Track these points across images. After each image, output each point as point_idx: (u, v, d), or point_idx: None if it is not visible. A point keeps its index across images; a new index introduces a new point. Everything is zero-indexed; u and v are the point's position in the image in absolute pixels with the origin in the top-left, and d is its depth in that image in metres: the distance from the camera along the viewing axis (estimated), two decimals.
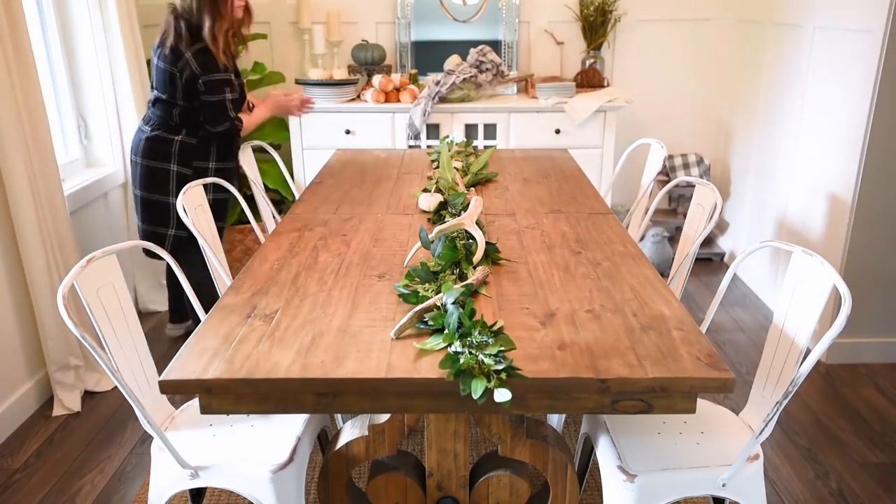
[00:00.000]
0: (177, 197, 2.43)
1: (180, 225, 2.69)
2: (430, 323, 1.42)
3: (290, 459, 1.58)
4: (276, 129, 3.77)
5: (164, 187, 2.67)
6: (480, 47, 3.66)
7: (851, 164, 2.75)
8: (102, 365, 1.45)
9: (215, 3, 2.51)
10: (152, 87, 2.68)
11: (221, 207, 2.76)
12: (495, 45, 3.90)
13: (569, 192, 2.45)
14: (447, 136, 2.92)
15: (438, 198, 2.21)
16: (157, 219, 2.72)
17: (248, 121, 2.73)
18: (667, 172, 4.04)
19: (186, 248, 2.67)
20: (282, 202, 3.87)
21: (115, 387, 2.64)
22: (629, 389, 1.28)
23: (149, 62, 2.89)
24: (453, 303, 1.42)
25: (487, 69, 3.63)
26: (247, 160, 2.72)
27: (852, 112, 2.74)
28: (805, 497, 2.16)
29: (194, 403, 1.79)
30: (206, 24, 2.50)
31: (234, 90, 2.62)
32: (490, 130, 3.63)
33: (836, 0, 2.88)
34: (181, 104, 2.60)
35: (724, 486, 1.53)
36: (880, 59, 2.56)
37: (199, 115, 2.63)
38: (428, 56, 3.95)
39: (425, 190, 2.32)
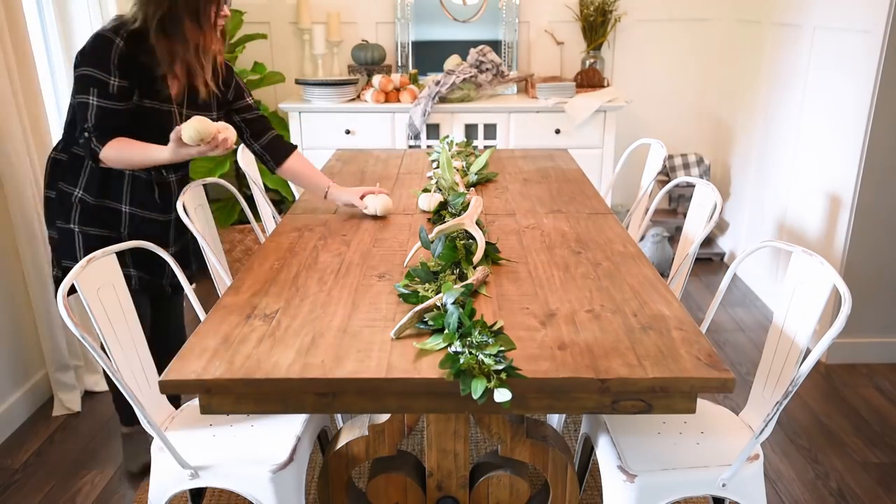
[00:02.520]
0: (47, 225, 2.08)
1: (62, 260, 2.08)
2: (430, 323, 1.42)
3: (290, 459, 1.58)
4: (277, 129, 3.76)
5: (47, 210, 2.09)
6: (480, 47, 3.66)
7: (851, 164, 2.75)
8: (102, 365, 1.45)
9: (174, 23, 1.87)
10: None
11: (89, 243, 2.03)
12: (495, 45, 3.90)
13: (569, 192, 2.45)
14: (447, 136, 2.91)
15: (438, 197, 2.21)
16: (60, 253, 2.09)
17: (125, 149, 1.89)
18: (667, 172, 4.04)
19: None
20: (282, 202, 3.87)
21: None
22: (629, 389, 1.28)
23: None
24: (453, 303, 1.42)
25: (487, 69, 3.63)
26: (247, 160, 2.72)
27: (852, 112, 2.74)
28: (805, 497, 2.16)
29: (194, 403, 1.79)
30: (159, 45, 1.89)
31: (114, 97, 1.87)
32: (490, 130, 3.63)
33: (836, 0, 2.88)
34: (71, 104, 1.97)
35: (724, 486, 1.53)
36: (880, 59, 2.57)
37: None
38: (428, 56, 3.95)
39: (425, 190, 2.32)
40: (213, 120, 2.01)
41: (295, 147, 2.27)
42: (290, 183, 2.99)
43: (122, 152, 1.90)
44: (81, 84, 1.89)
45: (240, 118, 2.20)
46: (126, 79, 1.90)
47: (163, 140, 1.90)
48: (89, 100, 1.88)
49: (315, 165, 2.34)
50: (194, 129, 1.75)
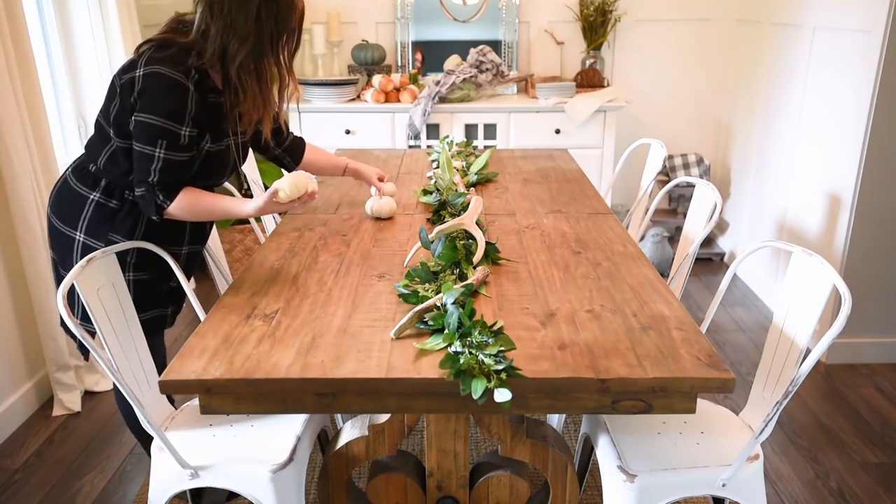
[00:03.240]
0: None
1: (86, 317, 1.68)
2: (430, 323, 1.42)
3: (290, 459, 1.58)
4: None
5: (66, 260, 1.82)
6: (480, 47, 3.66)
7: (851, 164, 2.75)
8: (102, 365, 1.45)
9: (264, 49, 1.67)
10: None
11: (140, 289, 1.81)
12: (495, 45, 3.91)
13: (569, 192, 2.45)
14: (447, 136, 2.91)
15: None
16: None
17: (198, 202, 1.71)
18: (667, 172, 4.04)
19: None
20: None
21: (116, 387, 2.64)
22: (629, 389, 1.28)
23: None
24: (453, 303, 1.42)
25: (487, 69, 3.63)
26: (247, 160, 2.72)
27: (852, 112, 2.74)
28: (805, 497, 2.16)
29: (194, 403, 1.79)
30: (239, 84, 1.68)
31: (184, 149, 1.67)
32: (490, 130, 3.63)
33: (835, 0, 2.88)
34: (113, 138, 1.72)
35: (724, 486, 1.53)
36: (880, 59, 2.56)
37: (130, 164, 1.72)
38: (428, 56, 3.95)
39: (425, 192, 2.32)
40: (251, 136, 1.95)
41: (303, 140, 2.24)
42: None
43: (195, 207, 1.70)
44: (146, 134, 1.63)
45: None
46: (197, 127, 1.69)
47: (219, 175, 1.83)
48: (156, 152, 1.64)
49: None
50: (293, 187, 1.65)
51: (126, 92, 1.66)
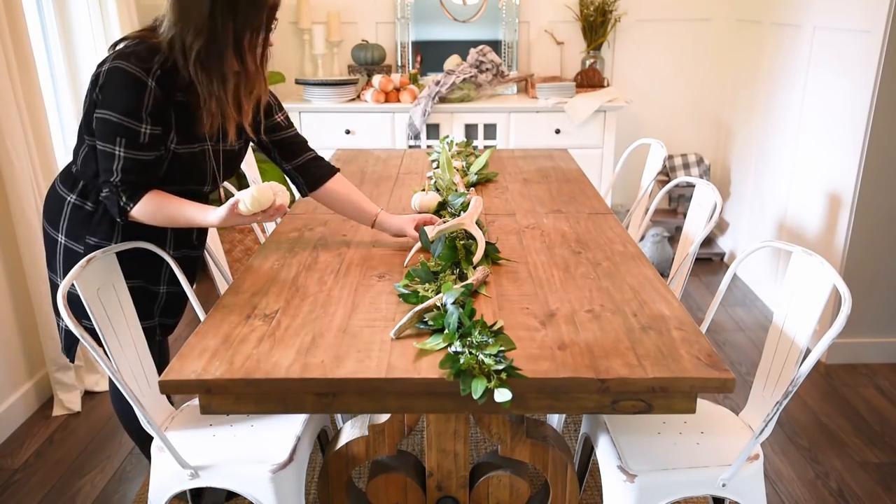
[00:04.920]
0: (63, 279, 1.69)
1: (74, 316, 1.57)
2: (430, 323, 1.42)
3: (290, 459, 1.58)
4: None
5: (52, 262, 1.81)
6: (480, 47, 3.66)
7: (851, 163, 2.75)
8: (102, 365, 1.45)
9: (218, 57, 1.57)
10: None
11: (137, 297, 1.76)
12: (495, 45, 3.91)
13: (569, 192, 2.45)
14: (447, 136, 2.91)
15: (432, 197, 2.18)
16: (54, 304, 1.87)
17: (162, 207, 1.63)
18: (667, 172, 4.04)
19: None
20: None
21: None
22: (629, 389, 1.28)
23: None
24: (453, 303, 1.42)
25: (487, 69, 3.63)
26: (247, 161, 2.72)
27: (852, 112, 2.74)
28: (805, 497, 2.16)
29: (194, 403, 1.79)
30: (199, 81, 1.59)
31: (146, 147, 1.59)
32: (490, 130, 3.63)
33: (835, 0, 2.88)
34: (85, 137, 1.69)
35: (724, 486, 1.53)
36: (880, 59, 2.56)
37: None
38: (428, 56, 3.95)
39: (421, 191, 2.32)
40: (243, 147, 1.84)
41: (336, 170, 1.96)
42: (290, 183, 2.96)
43: (158, 212, 1.63)
44: (105, 131, 1.59)
45: (267, 138, 1.89)
46: (160, 124, 1.61)
47: (196, 182, 1.74)
48: (115, 150, 1.58)
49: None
50: (254, 201, 1.57)
51: (91, 87, 1.62)
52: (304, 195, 1.96)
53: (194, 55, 1.56)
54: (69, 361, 2.12)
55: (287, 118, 1.93)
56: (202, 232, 1.94)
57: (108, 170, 1.61)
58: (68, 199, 1.75)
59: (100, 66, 1.61)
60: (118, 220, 1.65)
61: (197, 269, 1.98)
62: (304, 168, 1.93)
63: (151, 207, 1.62)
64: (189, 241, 1.88)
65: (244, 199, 1.57)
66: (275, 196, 1.59)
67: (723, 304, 3.44)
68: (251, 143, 1.95)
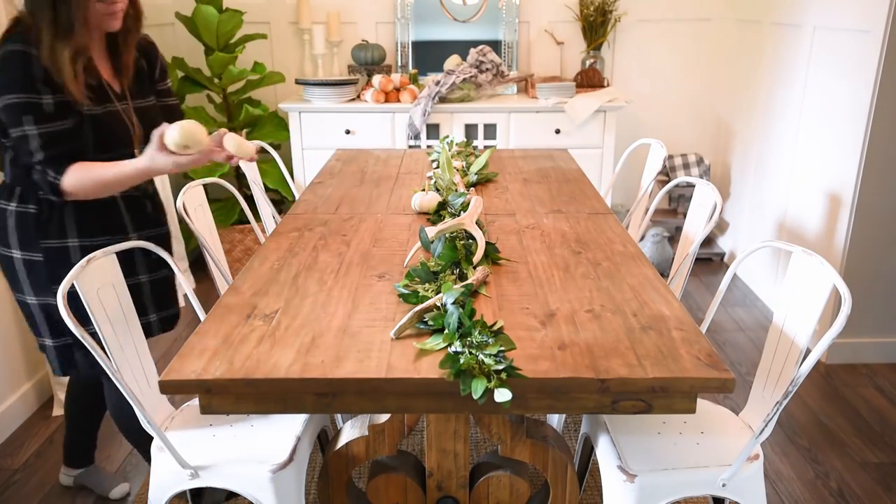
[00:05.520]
0: (36, 296, 1.77)
1: (56, 332, 1.81)
2: (430, 323, 1.42)
3: (290, 459, 1.58)
4: (277, 129, 3.77)
5: (14, 282, 1.79)
6: (480, 47, 3.66)
7: (851, 163, 2.75)
8: (102, 365, 1.45)
9: (55, 10, 1.57)
10: None
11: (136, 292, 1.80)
12: (495, 45, 3.91)
13: (569, 192, 2.45)
14: (447, 136, 2.91)
15: (432, 197, 2.19)
16: (31, 325, 1.87)
17: (90, 171, 1.63)
18: (667, 172, 4.04)
19: (72, 364, 1.86)
20: (282, 202, 3.87)
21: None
22: (629, 389, 1.28)
23: None
24: (453, 303, 1.42)
25: (487, 69, 3.63)
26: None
27: (852, 112, 2.74)
28: (805, 497, 2.16)
29: (194, 403, 1.79)
30: (45, 38, 1.58)
31: (55, 117, 1.60)
32: (490, 130, 3.63)
33: (835, 0, 2.88)
34: (3, 142, 1.69)
35: (724, 486, 1.53)
36: (880, 59, 2.57)
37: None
38: (428, 56, 3.95)
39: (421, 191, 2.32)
40: (160, 104, 1.83)
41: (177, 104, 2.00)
42: (290, 183, 2.98)
43: (87, 177, 1.61)
44: (10, 117, 1.58)
45: (160, 102, 1.91)
46: (61, 91, 1.60)
47: (123, 144, 1.71)
48: (27, 130, 1.57)
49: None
50: (183, 132, 1.50)
51: None
52: None
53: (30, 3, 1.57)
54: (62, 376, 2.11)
55: (171, 88, 1.96)
56: (156, 205, 1.92)
57: (28, 152, 1.60)
58: (9, 208, 1.73)
59: None
60: (53, 198, 1.64)
61: (169, 250, 1.94)
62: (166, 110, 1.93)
63: (80, 174, 1.61)
64: (145, 217, 1.86)
65: (171, 131, 1.49)
66: (201, 131, 1.52)
67: (723, 304, 3.44)
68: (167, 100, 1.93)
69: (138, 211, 1.85)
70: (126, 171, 1.63)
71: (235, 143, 1.66)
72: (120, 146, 1.72)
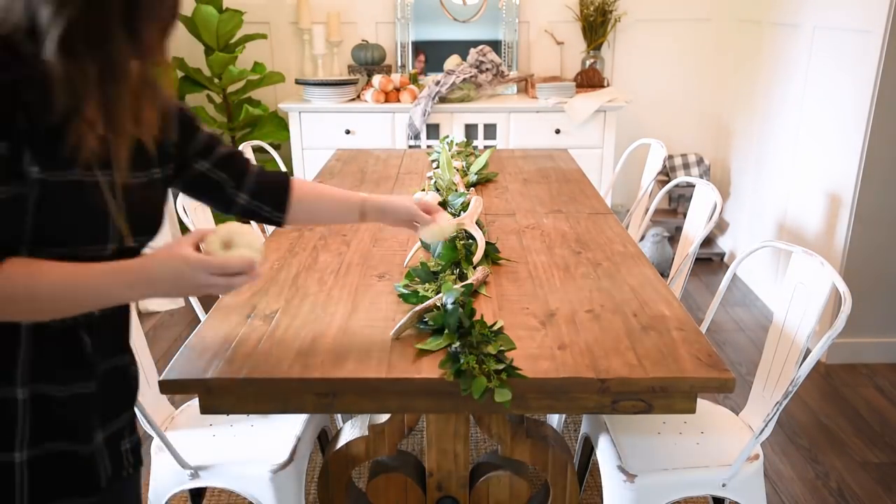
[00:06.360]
0: None
1: None
2: (430, 323, 1.42)
3: (290, 459, 1.58)
4: (276, 128, 3.77)
5: None
6: (480, 47, 3.66)
7: (851, 163, 2.75)
8: None
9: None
10: None
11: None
12: (495, 45, 3.90)
13: (569, 192, 2.45)
14: (447, 136, 2.91)
15: (434, 197, 2.19)
16: None
17: (40, 279, 0.91)
18: (667, 172, 4.04)
19: None
20: None
21: None
22: (629, 389, 1.28)
23: None
24: (453, 303, 1.42)
25: (487, 69, 3.63)
26: None
27: (852, 112, 2.74)
28: (805, 497, 2.16)
29: (194, 403, 1.79)
30: (65, 72, 0.88)
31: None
32: (490, 130, 3.63)
33: (835, 0, 2.88)
34: None
35: (724, 486, 1.53)
36: (880, 59, 2.57)
37: None
38: (428, 56, 3.95)
39: (421, 191, 2.32)
40: (155, 183, 1.08)
41: (287, 174, 1.38)
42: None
43: (28, 285, 0.91)
44: None
45: (208, 165, 1.23)
46: (6, 138, 0.88)
47: (88, 239, 0.97)
48: None
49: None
50: (228, 226, 1.04)
51: None
52: (278, 224, 1.36)
53: (60, 34, 0.87)
54: None
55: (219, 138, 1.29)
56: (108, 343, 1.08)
57: None
58: None
59: None
60: None
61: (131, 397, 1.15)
62: (262, 187, 1.30)
63: (13, 281, 0.90)
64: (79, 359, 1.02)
65: (214, 236, 1.02)
66: (256, 240, 1.05)
67: (723, 304, 3.44)
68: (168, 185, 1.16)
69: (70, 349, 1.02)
70: (91, 277, 0.95)
71: (439, 229, 1.40)
72: (84, 240, 0.97)
